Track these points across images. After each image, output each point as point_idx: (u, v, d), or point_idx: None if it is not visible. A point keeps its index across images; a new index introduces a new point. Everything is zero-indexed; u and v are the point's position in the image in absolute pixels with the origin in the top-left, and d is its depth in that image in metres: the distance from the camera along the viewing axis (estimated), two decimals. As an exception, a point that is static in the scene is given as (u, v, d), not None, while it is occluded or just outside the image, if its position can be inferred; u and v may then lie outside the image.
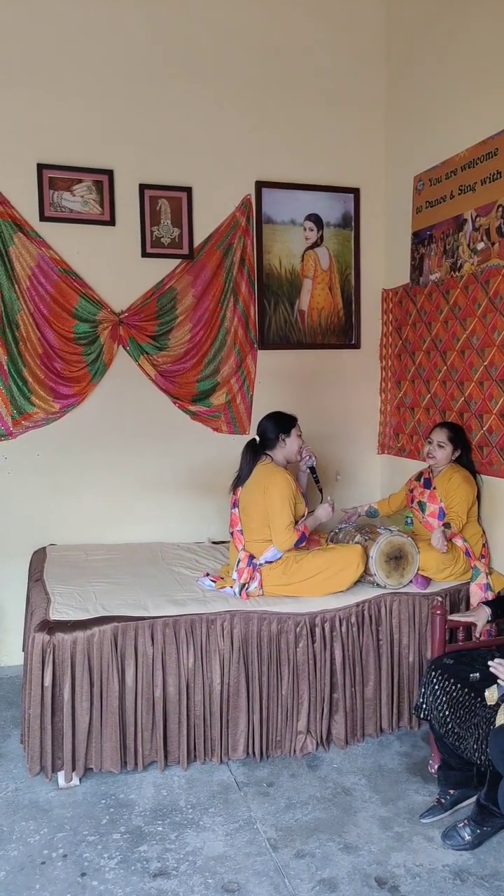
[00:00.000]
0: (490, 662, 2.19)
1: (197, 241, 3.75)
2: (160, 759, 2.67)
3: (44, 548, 3.55)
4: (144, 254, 3.66)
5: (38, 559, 3.36)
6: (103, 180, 3.55)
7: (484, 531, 3.27)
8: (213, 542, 3.76)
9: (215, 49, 3.70)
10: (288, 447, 3.04)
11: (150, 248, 3.67)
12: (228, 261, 3.81)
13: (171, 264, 3.72)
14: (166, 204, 3.67)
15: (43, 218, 3.47)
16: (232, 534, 3.04)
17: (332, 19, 3.90)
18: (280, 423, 3.06)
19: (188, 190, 3.70)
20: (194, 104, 3.69)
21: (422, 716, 2.52)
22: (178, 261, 3.72)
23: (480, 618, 2.60)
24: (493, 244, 3.20)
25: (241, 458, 3.07)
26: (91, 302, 3.56)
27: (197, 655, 2.69)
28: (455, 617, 2.66)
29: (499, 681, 2.21)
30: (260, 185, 3.84)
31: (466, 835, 2.29)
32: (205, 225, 3.76)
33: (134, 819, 2.42)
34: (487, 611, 2.61)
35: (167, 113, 3.65)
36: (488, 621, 2.61)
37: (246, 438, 3.37)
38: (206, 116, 3.72)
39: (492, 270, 3.21)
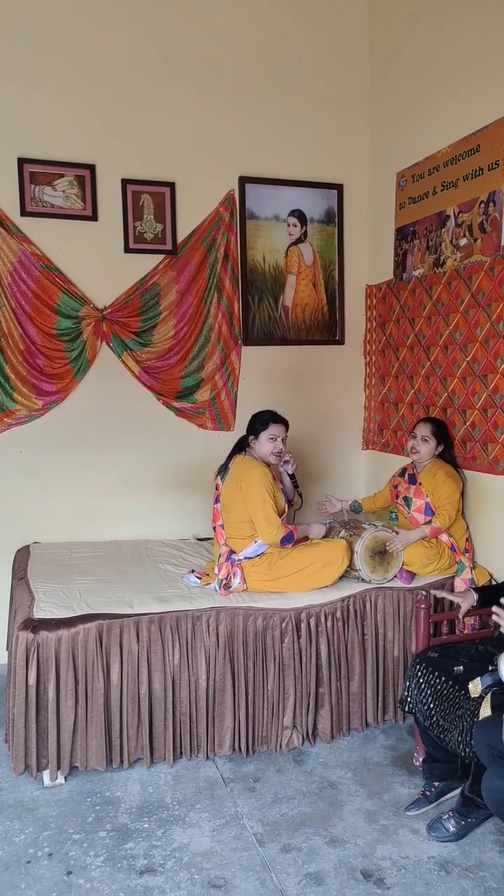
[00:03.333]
0: (494, 608, 2.12)
1: (180, 237, 3.73)
2: (146, 757, 2.67)
3: (27, 546, 3.52)
4: (127, 249, 3.64)
5: (22, 557, 3.33)
6: (85, 175, 3.52)
7: (468, 525, 3.29)
8: (199, 539, 3.75)
9: (199, 44, 3.68)
10: (258, 450, 3.02)
11: (133, 244, 3.65)
12: (212, 256, 3.79)
13: (154, 260, 3.70)
14: (149, 199, 3.65)
15: (24, 213, 3.43)
16: (214, 528, 3.04)
17: (316, 17, 3.90)
18: (252, 424, 3.04)
19: (171, 185, 3.68)
20: (178, 99, 3.67)
21: (406, 709, 2.54)
22: (161, 256, 3.71)
23: (467, 599, 2.63)
24: (475, 240, 3.21)
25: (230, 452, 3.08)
26: (73, 298, 3.53)
27: (182, 652, 2.68)
28: (440, 593, 2.69)
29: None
30: (243, 181, 3.83)
31: (451, 826, 2.31)
32: (188, 220, 3.74)
33: (120, 816, 2.42)
34: (475, 595, 2.64)
35: (150, 107, 3.63)
36: (473, 607, 2.63)
37: (231, 435, 3.38)
38: (189, 111, 3.70)
39: (474, 266, 3.22)
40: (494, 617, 2.10)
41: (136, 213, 3.63)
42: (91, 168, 3.53)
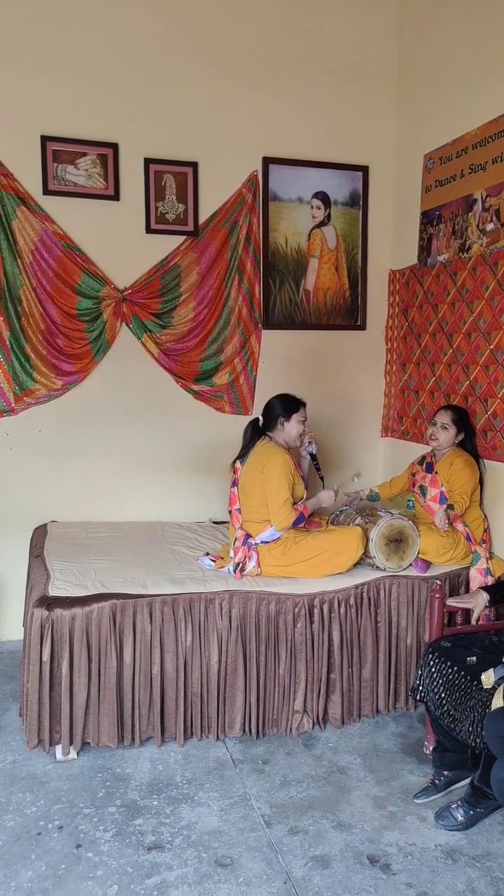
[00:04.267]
0: None
1: (202, 218, 3.70)
2: (157, 735, 2.70)
3: (45, 524, 3.55)
4: (149, 230, 3.62)
5: (40, 535, 3.36)
6: (108, 154, 3.49)
7: (486, 516, 3.26)
8: (214, 522, 3.76)
9: (224, 22, 3.62)
10: (286, 431, 3.00)
11: (155, 225, 3.62)
12: (234, 238, 3.76)
13: (175, 241, 3.67)
14: (171, 179, 3.62)
15: (46, 191, 3.42)
16: (230, 512, 3.03)
17: (344, -9, 3.81)
18: (282, 407, 3.02)
19: (194, 165, 3.65)
20: (202, 78, 3.62)
21: (418, 698, 2.53)
22: (182, 237, 3.68)
23: (478, 603, 2.60)
24: (502, 225, 3.14)
25: (243, 436, 3.06)
26: (94, 278, 3.53)
27: (195, 634, 2.70)
28: (452, 601, 2.66)
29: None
30: (267, 162, 3.78)
31: (459, 815, 2.31)
32: (210, 201, 3.71)
33: (130, 793, 2.45)
34: (485, 596, 2.60)
35: (174, 86, 3.59)
36: (486, 607, 2.60)
37: (249, 419, 3.35)
38: (213, 91, 3.65)
39: (500, 252, 3.15)
40: None
41: (158, 194, 3.61)
42: (114, 147, 3.50)
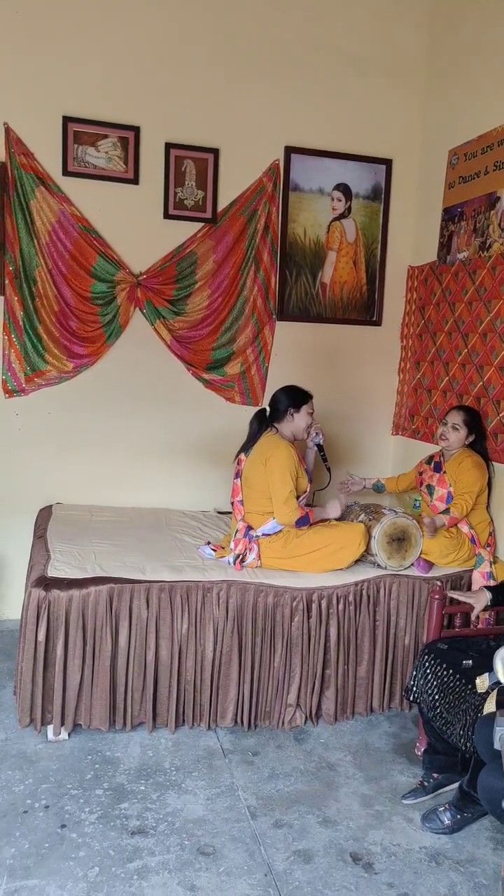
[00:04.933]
0: None
1: (221, 206, 3.67)
2: (149, 721, 2.70)
3: (50, 506, 3.57)
4: (167, 215, 3.60)
5: (44, 517, 3.38)
6: (129, 137, 3.48)
7: (492, 519, 3.21)
8: (219, 512, 3.75)
9: (248, 8, 3.58)
10: (295, 423, 2.99)
11: (173, 210, 3.60)
12: (252, 227, 3.73)
13: (193, 227, 3.65)
14: (192, 165, 3.59)
15: (66, 173, 3.41)
16: (232, 504, 3.02)
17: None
18: (292, 398, 3.00)
19: (215, 151, 3.62)
20: (225, 64, 3.59)
21: (412, 698, 2.51)
22: (200, 224, 3.66)
23: (480, 601, 2.56)
24: (524, 224, 3.08)
25: (249, 427, 3.04)
26: (110, 262, 3.52)
27: (191, 622, 2.69)
28: (454, 594, 2.62)
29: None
30: (289, 151, 3.74)
31: (446, 819, 2.29)
32: (230, 189, 3.68)
33: (118, 776, 2.46)
34: (488, 595, 2.57)
35: (197, 72, 3.55)
36: (487, 607, 2.57)
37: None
38: (237, 77, 3.61)
39: (521, 252, 3.10)
40: None
41: (177, 179, 3.58)
42: (135, 130, 3.48)
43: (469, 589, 3.02)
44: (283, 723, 2.82)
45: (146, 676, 2.67)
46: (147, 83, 3.49)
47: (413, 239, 4.05)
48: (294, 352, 3.92)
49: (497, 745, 1.10)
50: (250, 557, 2.85)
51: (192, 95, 3.56)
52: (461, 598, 2.60)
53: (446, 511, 3.01)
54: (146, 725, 2.71)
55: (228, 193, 3.68)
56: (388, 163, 3.93)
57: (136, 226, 3.56)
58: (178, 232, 3.63)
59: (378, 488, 3.44)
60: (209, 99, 3.59)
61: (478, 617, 2.64)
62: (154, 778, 2.47)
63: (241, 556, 2.85)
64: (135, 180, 3.53)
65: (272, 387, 3.75)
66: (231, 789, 2.44)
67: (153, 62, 3.49)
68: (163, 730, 2.74)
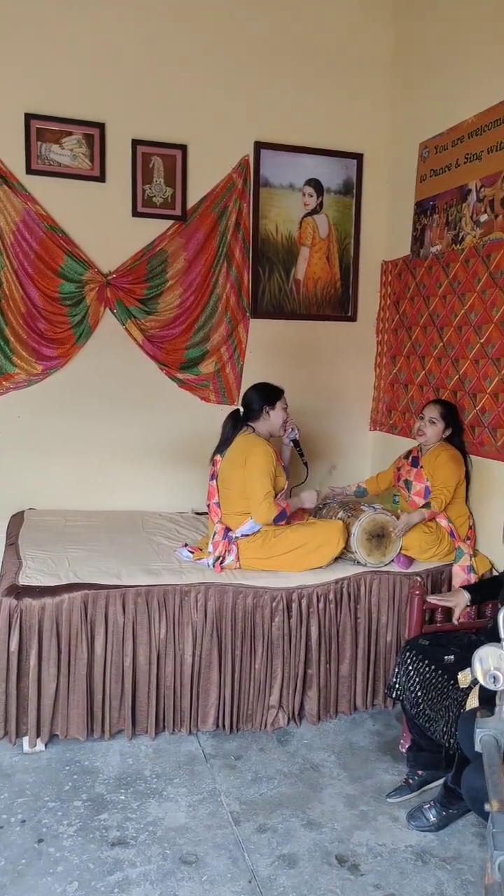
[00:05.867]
0: None
1: (191, 203, 3.62)
2: (128, 728, 2.64)
3: (23, 511, 3.49)
4: (135, 213, 3.54)
5: (16, 523, 3.30)
6: (94, 133, 3.41)
7: (471, 513, 3.20)
8: (197, 513, 3.70)
9: (215, 3, 3.53)
10: (272, 420, 2.96)
11: (142, 208, 3.54)
12: (223, 224, 3.68)
13: (162, 225, 3.59)
14: (160, 161, 3.54)
15: (29, 171, 3.34)
16: (209, 506, 2.97)
17: (342, -27, 3.72)
18: (265, 395, 2.97)
19: (183, 148, 3.56)
20: (192, 58, 3.53)
21: (394, 696, 2.49)
22: (170, 222, 3.60)
23: (459, 603, 2.54)
24: (496, 216, 3.07)
25: (223, 427, 3.00)
26: (77, 261, 3.45)
27: (169, 626, 2.64)
28: (433, 599, 2.60)
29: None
30: (259, 146, 3.70)
31: (432, 816, 2.26)
32: (199, 185, 3.63)
33: (97, 787, 2.40)
34: (466, 596, 2.54)
35: (164, 66, 3.50)
36: (467, 606, 2.55)
37: (234, 409, 3.30)
38: (204, 71, 3.56)
39: (494, 244, 3.08)
40: None
41: (145, 176, 3.52)
42: (100, 126, 3.42)
43: (450, 582, 3.01)
44: (265, 725, 2.78)
45: (124, 683, 2.61)
46: (112, 78, 3.43)
47: (386, 233, 4.03)
48: (269, 349, 3.88)
49: (477, 747, 1.07)
50: (229, 559, 2.80)
51: (158, 91, 3.51)
52: (441, 603, 2.58)
53: (427, 505, 2.99)
54: (125, 733, 2.66)
55: (198, 190, 3.63)
56: (358, 157, 3.91)
57: (103, 224, 3.50)
58: (148, 230, 3.57)
59: (360, 493, 3.41)
60: (176, 94, 3.54)
61: (459, 621, 2.62)
62: (134, 786, 2.41)
63: (220, 558, 2.80)
64: (101, 178, 3.46)
65: (248, 384, 3.70)
66: (213, 795, 2.39)
67: (118, 57, 3.42)
68: (143, 737, 2.68)
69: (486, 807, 0.98)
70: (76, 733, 2.56)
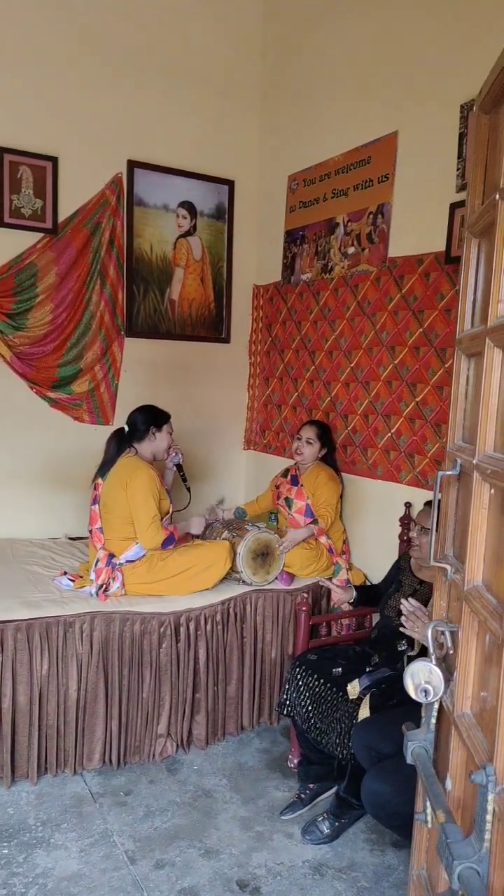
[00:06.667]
0: (403, 602, 2.00)
1: (62, 216, 3.50)
2: (6, 776, 2.45)
3: None
4: (2, 223, 3.35)
5: None
6: (-43, 137, 3.19)
7: (345, 528, 3.36)
8: (71, 539, 3.54)
9: (92, 13, 3.46)
10: (157, 442, 2.92)
11: (9, 219, 3.36)
12: (96, 240, 3.59)
13: (32, 238, 3.43)
14: (28, 172, 3.38)
15: None
16: (91, 531, 2.86)
17: (212, 4, 3.80)
18: (153, 417, 2.93)
19: (54, 160, 3.43)
20: (66, 68, 3.43)
21: (285, 712, 2.53)
22: (40, 235, 3.45)
23: (347, 591, 2.76)
24: (363, 250, 3.28)
25: (106, 447, 2.91)
26: None
27: (52, 661, 2.50)
28: (326, 582, 2.82)
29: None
30: (132, 165, 3.66)
31: (325, 828, 2.32)
32: (72, 199, 3.51)
33: (-25, 844, 2.20)
34: (353, 592, 2.77)
35: (34, 73, 3.36)
36: (350, 602, 2.72)
37: (109, 429, 3.21)
38: (78, 83, 3.47)
39: (361, 276, 3.29)
40: (403, 608, 1.99)
41: (13, 186, 3.35)
42: (-36, 130, 3.21)
43: (328, 597, 3.13)
44: (153, 755, 2.70)
45: (2, 727, 2.42)
46: (-24, 81, 3.23)
47: (257, 258, 4.15)
48: (144, 369, 3.83)
49: (409, 759, 1.12)
50: (114, 586, 2.71)
51: (28, 99, 3.35)
52: (331, 586, 2.78)
53: (315, 521, 3.12)
54: (4, 781, 2.46)
55: (70, 204, 3.51)
56: (230, 183, 4.00)
57: (-33, 233, 3.27)
58: (16, 242, 3.39)
59: (239, 515, 3.45)
60: (47, 104, 3.41)
61: (340, 610, 2.82)
62: (18, 838, 2.24)
63: (104, 586, 2.69)
64: (-36, 184, 3.24)
65: (123, 404, 3.65)
66: (105, 836, 2.29)
67: (-17, 59, 3.24)
68: (23, 782, 2.50)
69: (419, 816, 1.03)
70: None
